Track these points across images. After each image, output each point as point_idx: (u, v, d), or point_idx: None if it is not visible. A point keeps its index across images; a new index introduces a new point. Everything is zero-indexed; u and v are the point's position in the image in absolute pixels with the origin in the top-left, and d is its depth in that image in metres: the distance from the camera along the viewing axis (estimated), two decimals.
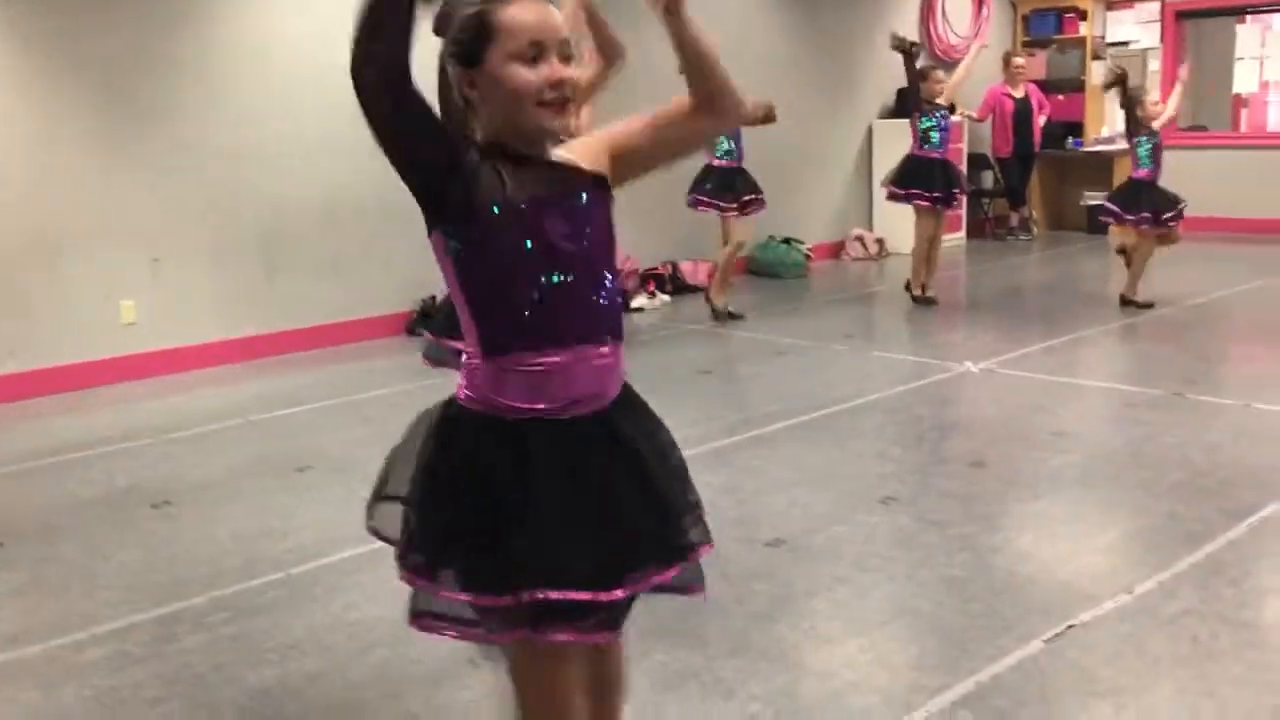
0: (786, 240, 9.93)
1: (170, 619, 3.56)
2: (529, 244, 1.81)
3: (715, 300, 7.95)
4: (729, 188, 7.75)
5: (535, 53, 1.82)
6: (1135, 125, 7.54)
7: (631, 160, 1.97)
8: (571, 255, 1.84)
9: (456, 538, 1.86)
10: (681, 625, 3.20)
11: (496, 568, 1.83)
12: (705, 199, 7.76)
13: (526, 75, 1.82)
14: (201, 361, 7.03)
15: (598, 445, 1.89)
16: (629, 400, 1.98)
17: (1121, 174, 10.83)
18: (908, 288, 8.30)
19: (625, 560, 1.88)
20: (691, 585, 2.02)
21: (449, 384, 3.64)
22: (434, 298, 7.79)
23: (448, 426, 1.93)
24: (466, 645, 3.19)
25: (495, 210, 1.81)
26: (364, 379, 6.54)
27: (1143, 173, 7.55)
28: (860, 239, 10.79)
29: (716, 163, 7.80)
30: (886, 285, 9.39)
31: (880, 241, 10.76)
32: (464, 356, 1.95)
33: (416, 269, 7.79)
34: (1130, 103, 7.55)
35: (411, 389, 6.06)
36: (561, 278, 1.83)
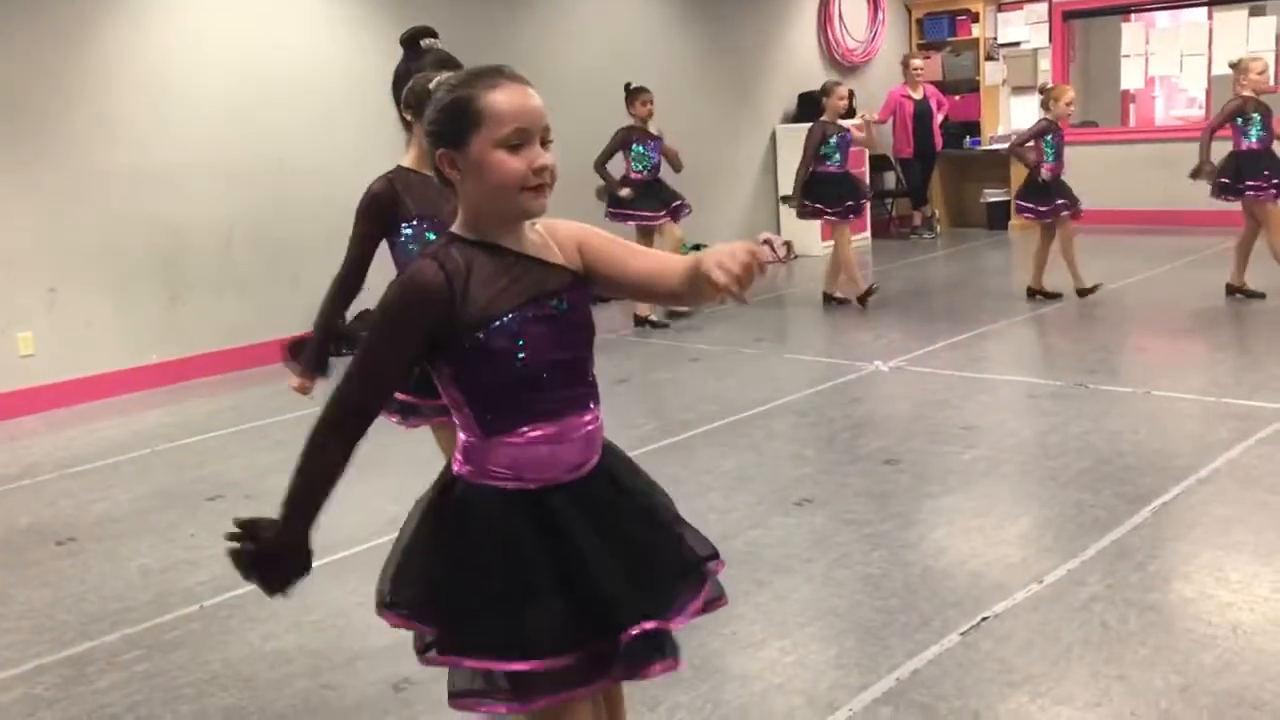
0: (696, 246, 9.97)
1: (80, 659, 3.46)
2: (520, 354, 1.88)
3: (641, 310, 8.02)
4: (655, 196, 7.88)
5: (520, 139, 1.85)
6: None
7: (597, 276, 2.01)
8: (560, 348, 1.93)
9: (502, 608, 1.88)
10: None
11: (562, 625, 1.87)
12: (628, 211, 7.85)
13: (512, 163, 1.85)
14: (103, 392, 6.86)
15: (609, 494, 2.00)
16: (611, 451, 2.08)
17: (1018, 172, 11.13)
18: (858, 299, 8.34)
19: (671, 591, 2.01)
20: (718, 600, 2.15)
21: None
22: (343, 318, 7.70)
23: (463, 507, 1.95)
24: (387, 674, 3.17)
25: (481, 336, 1.86)
26: (272, 403, 6.42)
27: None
28: (768, 242, 10.88)
29: (635, 175, 7.86)
30: (796, 288, 9.50)
31: (788, 244, 10.88)
32: (459, 436, 1.98)
33: (322, 288, 7.70)
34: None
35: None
36: (553, 369, 1.92)
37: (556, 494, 1.93)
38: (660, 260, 2.01)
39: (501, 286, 1.88)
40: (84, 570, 4.20)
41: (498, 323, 1.86)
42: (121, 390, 6.92)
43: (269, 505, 4.79)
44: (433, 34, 3.19)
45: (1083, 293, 7.89)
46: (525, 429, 1.91)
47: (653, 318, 8.03)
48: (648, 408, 6.06)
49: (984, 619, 3.31)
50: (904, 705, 2.88)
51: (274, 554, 2.01)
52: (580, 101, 8.45)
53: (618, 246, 2.03)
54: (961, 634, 3.22)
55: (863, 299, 8.21)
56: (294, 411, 6.14)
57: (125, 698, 3.20)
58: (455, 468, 1.98)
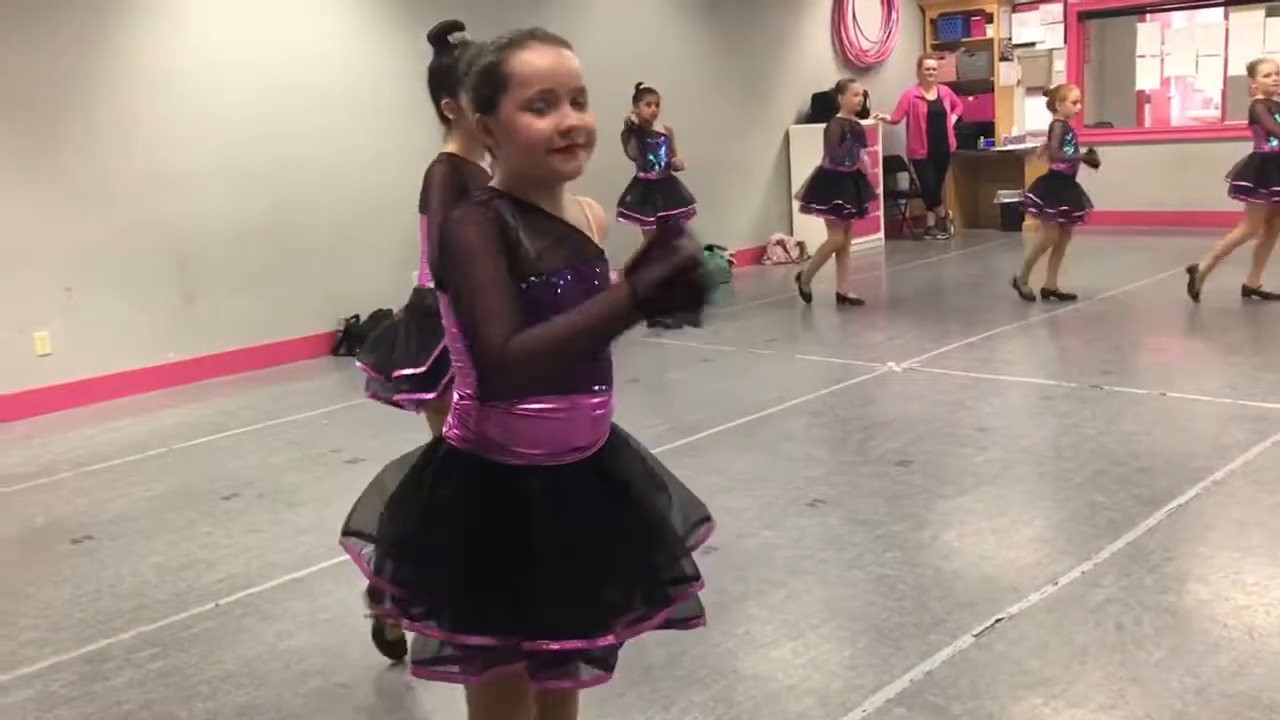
0: (709, 247, 9.98)
1: (97, 657, 3.48)
2: (547, 312, 1.76)
3: None
4: (660, 197, 7.93)
5: (545, 100, 1.84)
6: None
7: None
8: None
9: (451, 576, 1.85)
10: None
11: (489, 608, 1.84)
12: (633, 214, 7.89)
13: (537, 125, 1.83)
14: (120, 391, 6.90)
15: (591, 490, 1.92)
16: (617, 436, 2.03)
17: (1032, 172, 11.10)
18: (839, 299, 8.43)
19: (617, 607, 1.91)
20: (692, 619, 2.10)
21: (376, 408, 3.60)
22: (357, 317, 7.74)
23: (442, 467, 1.92)
24: (400, 673, 3.18)
25: (524, 286, 1.79)
26: (288, 401, 6.45)
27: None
28: (781, 243, 10.90)
29: (643, 175, 7.91)
30: (809, 288, 9.47)
31: (801, 245, 10.88)
32: (454, 396, 1.94)
33: (338, 287, 7.75)
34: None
35: (336, 410, 6.00)
36: None
37: (535, 476, 1.87)
38: None
39: (547, 244, 1.85)
40: (100, 568, 4.22)
41: (544, 278, 1.81)
42: (137, 389, 6.95)
43: (284, 504, 4.84)
44: (459, 27, 3.17)
45: (1049, 292, 7.91)
46: (530, 402, 1.86)
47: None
48: (660, 408, 6.06)
49: (998, 620, 3.30)
50: (917, 706, 2.88)
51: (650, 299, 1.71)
52: (595, 100, 8.45)
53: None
54: (975, 635, 3.22)
55: (840, 297, 8.40)
56: (309, 411, 6.19)
57: (141, 695, 3.22)
58: (444, 429, 1.95)
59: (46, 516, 4.86)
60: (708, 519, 2.21)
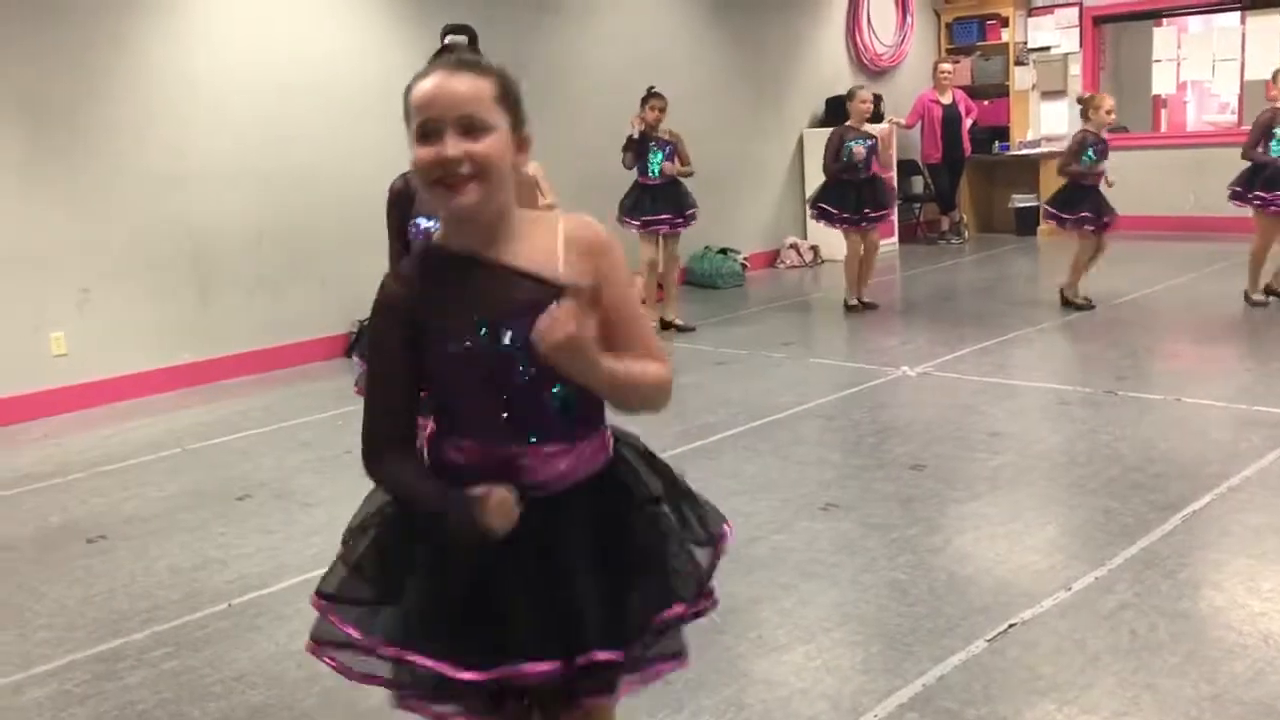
0: (723, 250, 9.99)
1: (110, 656, 3.49)
2: (465, 373, 1.79)
3: (667, 314, 8.04)
4: (660, 202, 7.88)
5: (428, 130, 1.74)
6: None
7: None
8: (516, 378, 1.79)
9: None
10: None
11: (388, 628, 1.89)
12: (625, 217, 7.87)
13: (420, 155, 1.75)
14: (135, 391, 6.92)
15: (549, 526, 1.84)
16: (608, 477, 1.93)
17: (1047, 177, 11.08)
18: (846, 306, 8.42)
19: (504, 647, 1.81)
20: (651, 667, 1.94)
21: None
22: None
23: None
24: None
25: (430, 342, 1.80)
26: (302, 403, 6.47)
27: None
28: (795, 247, 10.88)
29: (643, 180, 7.85)
30: (822, 292, 9.48)
31: (814, 249, 10.87)
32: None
33: (352, 289, 7.74)
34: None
35: (350, 411, 6.00)
36: (505, 395, 1.80)
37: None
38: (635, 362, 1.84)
39: (464, 305, 1.78)
40: (115, 568, 4.24)
41: (458, 343, 1.77)
42: (152, 390, 6.98)
43: (298, 504, 4.84)
44: (459, 30, 3.17)
45: (1068, 301, 7.86)
46: (456, 439, 1.86)
47: (678, 322, 8.04)
48: (673, 411, 6.04)
49: (1011, 626, 3.29)
50: (930, 712, 2.87)
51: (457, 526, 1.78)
52: (608, 103, 8.47)
53: (621, 328, 1.83)
54: (988, 641, 3.21)
55: (851, 306, 8.37)
56: (324, 412, 6.20)
57: (154, 695, 3.23)
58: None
59: (61, 516, 4.88)
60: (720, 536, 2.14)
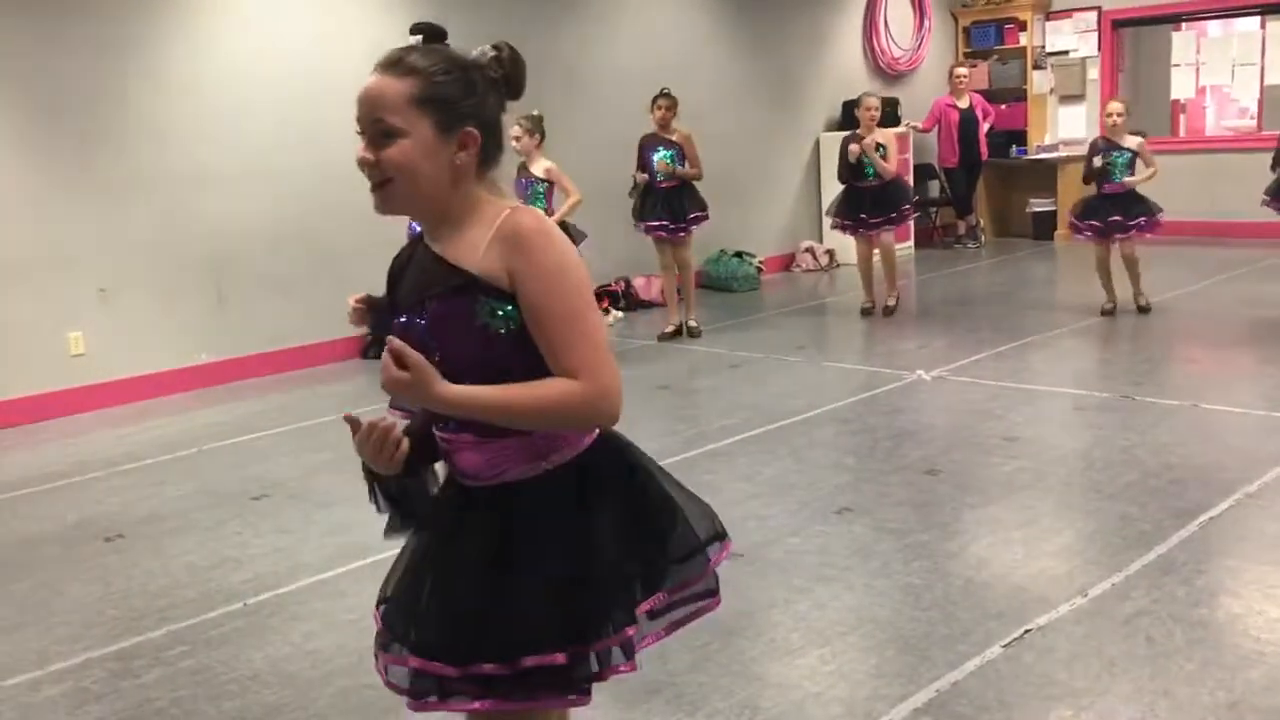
0: (738, 254, 9.99)
1: (127, 654, 3.51)
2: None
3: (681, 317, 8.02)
4: (665, 206, 7.74)
5: (358, 131, 1.80)
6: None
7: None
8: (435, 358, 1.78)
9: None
10: None
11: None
12: (637, 220, 7.84)
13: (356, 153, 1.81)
14: (153, 391, 6.96)
15: (467, 519, 1.89)
16: (536, 497, 1.84)
17: (1065, 181, 11.04)
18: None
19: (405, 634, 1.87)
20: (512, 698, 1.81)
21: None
22: None
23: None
24: None
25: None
26: (318, 404, 6.49)
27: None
28: (810, 251, 10.87)
29: (645, 181, 7.77)
30: (837, 296, 9.47)
31: (830, 253, 10.85)
32: None
33: (368, 290, 7.77)
34: None
35: (366, 412, 6.01)
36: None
37: (460, 488, 1.94)
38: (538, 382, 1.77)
39: (406, 278, 1.92)
40: (132, 566, 4.26)
41: (394, 311, 1.91)
42: (170, 390, 7.02)
43: (314, 504, 4.86)
44: (420, 30, 3.00)
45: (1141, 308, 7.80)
46: (438, 427, 1.93)
47: (690, 323, 7.96)
48: (688, 414, 6.06)
49: (1026, 631, 3.28)
50: (944, 717, 2.86)
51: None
52: (625, 104, 8.47)
53: (537, 330, 1.75)
54: (1003, 646, 3.20)
55: (866, 310, 8.36)
56: (341, 413, 6.21)
57: (170, 693, 3.24)
58: None
59: (79, 515, 4.91)
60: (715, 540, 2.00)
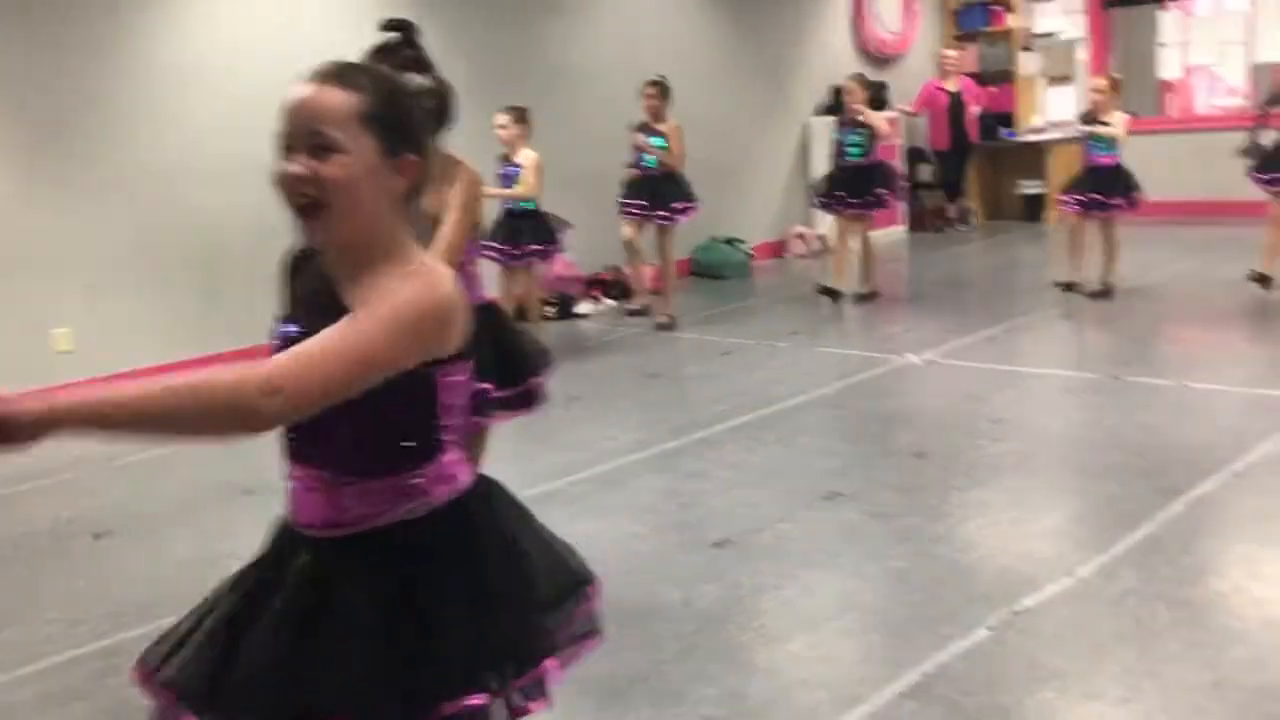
0: (729, 240, 9.97)
1: (114, 651, 3.50)
2: None
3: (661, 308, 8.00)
4: (645, 192, 7.71)
5: (283, 144, 1.60)
6: None
7: None
8: None
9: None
10: (628, 630, 3.20)
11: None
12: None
13: (274, 169, 1.61)
14: None
15: (304, 578, 1.78)
16: (419, 543, 1.72)
17: (1054, 163, 11.03)
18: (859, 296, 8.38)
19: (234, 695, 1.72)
20: None
21: None
22: None
23: None
24: None
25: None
26: None
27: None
28: (801, 236, 10.86)
29: (631, 169, 7.74)
30: (829, 281, 9.44)
31: (821, 238, 10.82)
32: None
33: None
34: None
35: None
36: None
37: (295, 540, 1.82)
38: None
39: (293, 287, 1.83)
40: (120, 563, 4.26)
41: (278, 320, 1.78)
42: None
43: None
44: (394, 27, 2.89)
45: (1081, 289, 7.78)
46: (289, 466, 1.82)
47: (661, 319, 7.87)
48: (679, 402, 6.05)
49: (1013, 613, 3.28)
50: (928, 700, 2.86)
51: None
52: (611, 92, 8.44)
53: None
54: (990, 628, 3.20)
55: (827, 290, 8.18)
56: None
57: None
58: None
59: (68, 512, 4.90)
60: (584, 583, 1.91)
